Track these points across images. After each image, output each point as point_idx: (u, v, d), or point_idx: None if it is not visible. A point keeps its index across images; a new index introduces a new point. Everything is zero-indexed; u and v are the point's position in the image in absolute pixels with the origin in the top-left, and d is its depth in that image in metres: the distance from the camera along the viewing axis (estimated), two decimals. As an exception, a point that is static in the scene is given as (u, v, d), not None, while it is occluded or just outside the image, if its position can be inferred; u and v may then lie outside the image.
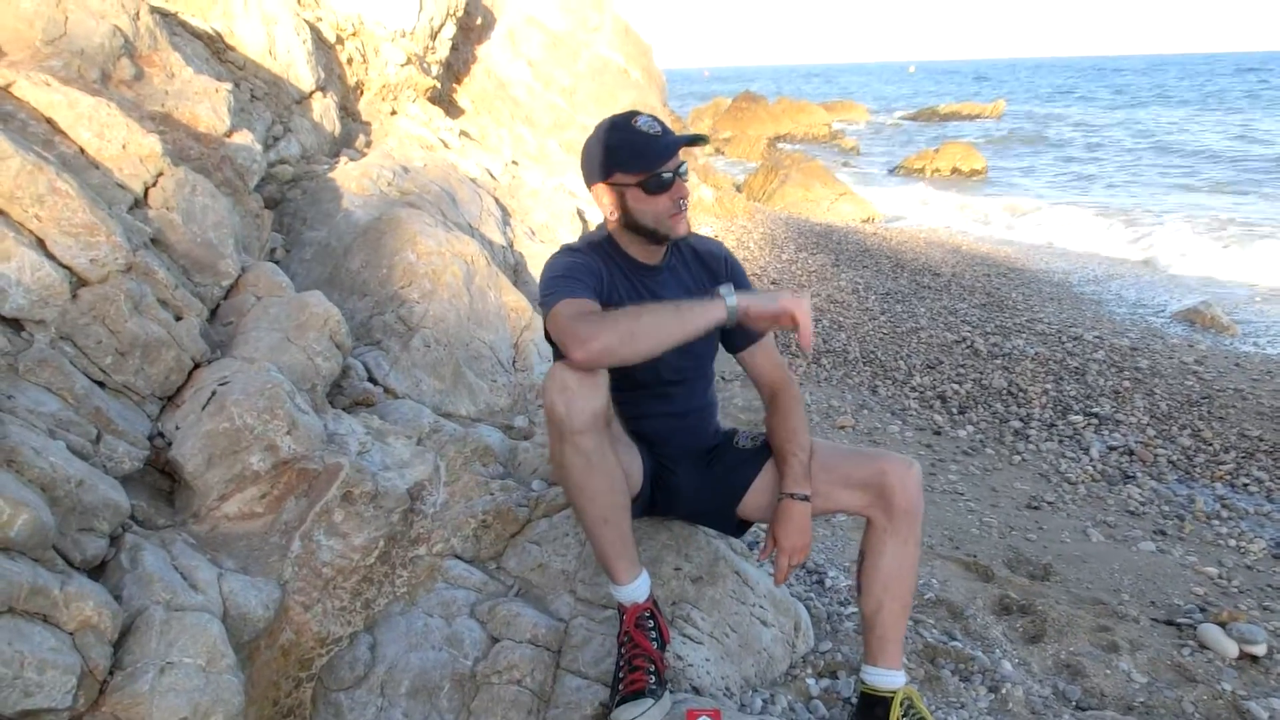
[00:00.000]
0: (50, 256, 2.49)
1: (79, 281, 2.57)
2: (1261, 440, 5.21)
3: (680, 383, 2.35)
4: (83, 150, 3.00)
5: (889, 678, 2.24)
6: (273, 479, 2.54)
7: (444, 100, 9.85)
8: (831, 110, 39.94)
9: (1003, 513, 4.34)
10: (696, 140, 2.14)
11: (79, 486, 2.07)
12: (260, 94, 5.98)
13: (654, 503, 2.41)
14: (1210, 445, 5.18)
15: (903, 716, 2.19)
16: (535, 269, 6.35)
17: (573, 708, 2.11)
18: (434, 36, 9.23)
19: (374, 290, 4.19)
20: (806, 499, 2.24)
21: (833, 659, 2.64)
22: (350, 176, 5.26)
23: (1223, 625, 3.20)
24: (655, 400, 2.30)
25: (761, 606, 2.56)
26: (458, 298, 4.31)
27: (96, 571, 2.08)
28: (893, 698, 2.21)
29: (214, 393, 2.64)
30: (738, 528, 2.47)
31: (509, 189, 7.91)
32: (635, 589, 2.10)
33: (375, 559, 2.50)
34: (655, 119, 2.12)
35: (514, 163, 9.28)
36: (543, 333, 5.21)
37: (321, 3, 7.62)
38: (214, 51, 5.74)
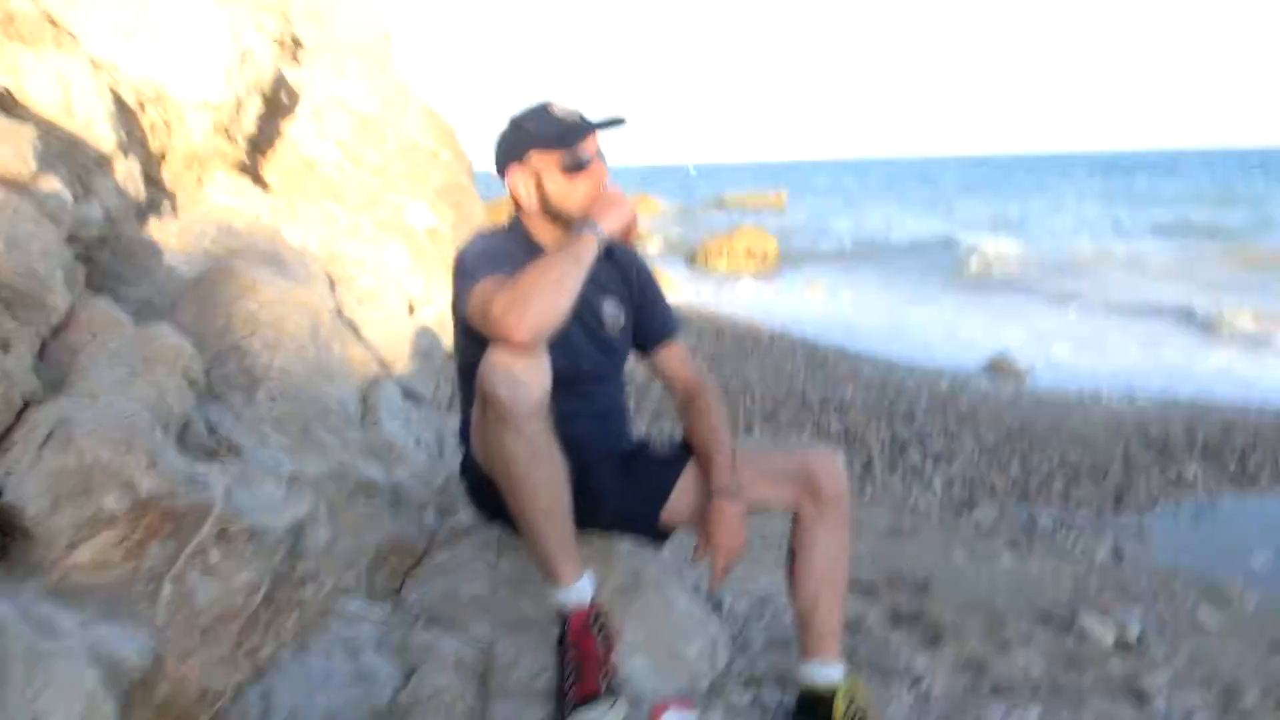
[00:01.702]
0: None
1: (-115, 308, 2.21)
2: (1081, 463, 5.60)
3: (600, 381, 2.25)
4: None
5: (829, 671, 2.17)
6: (132, 522, 2.20)
7: (251, 174, 9.42)
8: (627, 203, 40.92)
9: (869, 542, 4.43)
10: (615, 123, 2.08)
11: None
12: (57, 151, 5.50)
13: (575, 510, 2.27)
14: (1039, 470, 5.52)
15: (845, 710, 2.11)
16: (368, 334, 6.06)
17: (512, 730, 1.91)
18: (239, 110, 8.87)
19: (211, 342, 3.82)
20: (737, 497, 2.18)
21: (751, 672, 2.56)
22: (169, 233, 4.86)
23: (1098, 615, 3.35)
24: (576, 399, 2.17)
25: (683, 622, 2.45)
26: (304, 350, 4.01)
27: (-70, 626, 1.72)
28: (834, 695, 2.13)
29: (51, 432, 2.30)
30: (660, 535, 2.36)
31: (330, 259, 7.59)
32: (580, 589, 1.96)
33: (259, 603, 2.21)
34: (572, 108, 2.06)
35: (329, 239, 8.94)
36: (393, 391, 4.95)
37: (118, 68, 7.16)
38: (2, 106, 5.25)
